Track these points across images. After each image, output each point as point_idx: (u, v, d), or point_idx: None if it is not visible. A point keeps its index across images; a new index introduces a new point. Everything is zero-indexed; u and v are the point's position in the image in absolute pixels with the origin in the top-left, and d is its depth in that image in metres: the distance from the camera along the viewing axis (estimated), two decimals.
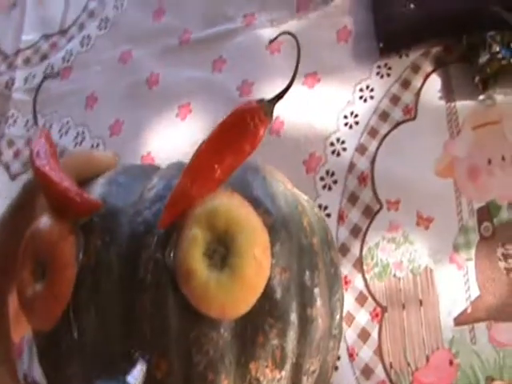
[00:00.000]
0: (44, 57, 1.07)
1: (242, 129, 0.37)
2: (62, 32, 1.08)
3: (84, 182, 0.43)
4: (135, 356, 0.36)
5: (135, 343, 0.36)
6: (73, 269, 0.38)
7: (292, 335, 0.38)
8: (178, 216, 0.37)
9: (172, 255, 0.37)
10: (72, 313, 0.38)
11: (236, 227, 0.36)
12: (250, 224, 0.36)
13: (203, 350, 0.36)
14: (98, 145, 0.92)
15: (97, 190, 0.41)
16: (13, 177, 0.99)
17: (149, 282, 0.37)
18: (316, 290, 0.40)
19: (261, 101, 0.38)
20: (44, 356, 0.41)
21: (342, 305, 0.46)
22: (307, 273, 0.40)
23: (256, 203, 0.39)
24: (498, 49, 0.71)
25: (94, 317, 0.38)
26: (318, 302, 0.40)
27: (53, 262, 0.38)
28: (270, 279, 0.37)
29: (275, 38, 0.42)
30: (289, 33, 0.41)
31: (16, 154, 1.00)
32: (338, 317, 0.45)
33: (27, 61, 1.08)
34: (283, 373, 0.38)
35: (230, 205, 0.37)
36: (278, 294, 0.38)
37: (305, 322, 0.39)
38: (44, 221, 0.40)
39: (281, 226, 0.39)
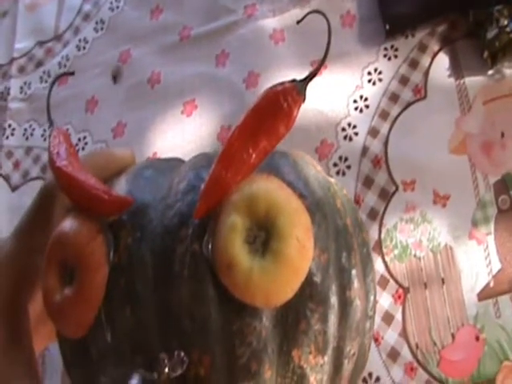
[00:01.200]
0: (39, 64, 1.12)
1: (275, 110, 0.38)
2: (57, 37, 1.13)
3: (106, 180, 0.44)
4: (176, 354, 0.36)
5: (175, 341, 0.37)
6: (104, 270, 0.38)
7: (333, 319, 0.39)
8: (215, 205, 0.38)
9: (210, 246, 0.37)
10: (104, 317, 0.38)
11: (276, 210, 0.36)
12: (291, 206, 0.37)
13: (246, 342, 0.37)
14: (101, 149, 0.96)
15: (123, 187, 0.42)
16: (13, 188, 1.02)
17: (186, 276, 0.37)
18: (353, 272, 0.41)
19: (293, 80, 0.39)
20: (74, 365, 0.42)
21: (375, 285, 0.48)
22: (344, 254, 0.41)
23: (290, 188, 0.39)
24: (505, 22, 0.76)
25: (129, 318, 0.38)
26: (356, 284, 0.41)
27: (82, 264, 0.38)
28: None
29: (303, 18, 0.42)
30: (317, 11, 0.42)
31: (15, 165, 1.04)
32: (372, 298, 0.46)
33: (22, 69, 1.13)
34: (326, 358, 0.40)
35: (268, 188, 0.37)
36: (318, 278, 0.39)
37: (344, 305, 0.40)
38: (69, 223, 0.40)
39: (316, 209, 0.40)
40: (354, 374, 0.45)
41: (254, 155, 0.38)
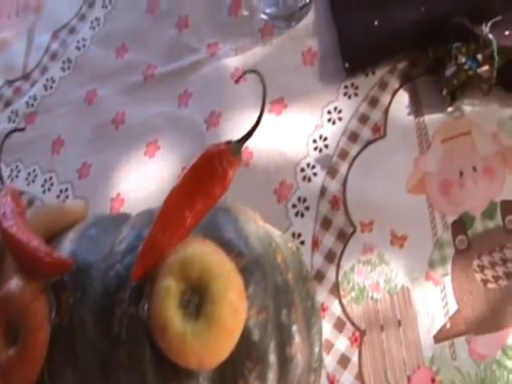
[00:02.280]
0: (8, 103, 1.15)
1: (211, 173, 0.40)
2: (25, 76, 1.16)
3: (55, 235, 0.46)
4: None
5: None
6: (46, 330, 0.40)
7: (272, 377, 0.41)
8: (151, 267, 0.39)
9: (146, 308, 0.39)
10: (47, 376, 0.40)
11: (210, 274, 0.38)
12: (224, 269, 0.39)
13: None
14: (66, 189, 0.99)
15: (67, 247, 0.44)
16: None
17: (124, 338, 0.39)
18: (294, 327, 0.43)
19: (228, 142, 0.41)
20: None
21: (321, 336, 0.50)
22: (284, 311, 0.43)
23: (229, 246, 0.41)
24: (463, 60, 0.78)
25: (70, 378, 0.40)
26: (297, 339, 0.43)
27: (25, 324, 0.40)
28: (246, 321, 0.39)
29: (240, 77, 0.44)
30: (254, 71, 0.45)
31: None
32: (317, 349, 0.48)
33: None
34: None
35: (202, 252, 0.39)
36: (256, 336, 0.40)
37: (284, 362, 0.42)
38: (14, 282, 0.41)
39: (255, 267, 0.42)
40: None
41: (189, 217, 0.40)
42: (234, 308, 0.38)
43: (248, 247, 0.43)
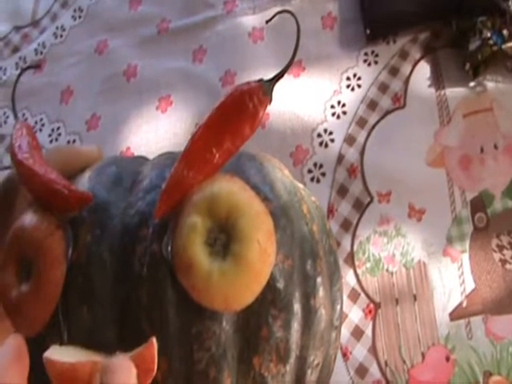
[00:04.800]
0: (15, 49, 1.05)
1: (240, 110, 0.36)
2: (34, 23, 1.06)
3: (69, 177, 0.41)
4: None
5: (132, 343, 0.34)
6: (62, 267, 0.36)
7: (296, 326, 0.37)
8: (175, 204, 0.36)
9: (170, 246, 0.35)
10: (61, 315, 0.36)
11: (238, 212, 0.35)
12: (253, 208, 0.35)
13: (205, 346, 0.35)
14: (74, 141, 0.91)
15: (85, 183, 0.40)
16: None
17: (145, 277, 0.35)
18: (319, 279, 0.39)
19: (260, 80, 0.37)
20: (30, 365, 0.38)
21: (342, 294, 0.45)
22: (309, 261, 0.39)
23: (255, 190, 0.37)
24: (488, 35, 0.71)
25: (86, 318, 0.36)
26: (321, 292, 0.39)
27: (39, 260, 0.36)
28: (272, 267, 0.36)
29: (272, 18, 0.40)
30: (287, 11, 0.40)
31: None
32: (338, 307, 0.43)
33: None
34: (287, 367, 0.37)
35: (230, 189, 0.36)
36: (281, 284, 0.36)
37: (308, 313, 0.38)
38: (29, 217, 0.38)
39: (281, 213, 0.38)
40: None
41: (217, 155, 0.36)
42: (263, 249, 0.34)
43: (274, 193, 0.39)
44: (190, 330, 0.35)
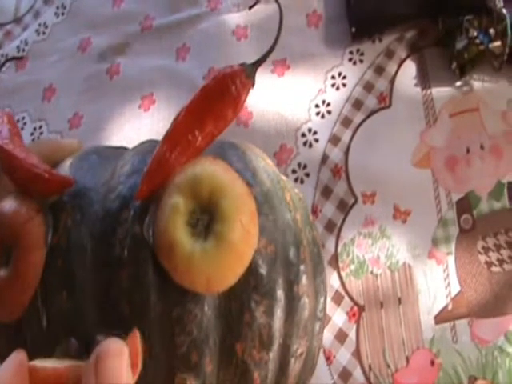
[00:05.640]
0: None
1: (223, 93, 0.36)
2: (17, 20, 1.02)
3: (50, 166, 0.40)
4: (113, 336, 0.33)
5: (113, 326, 0.34)
6: (41, 251, 0.36)
7: (279, 313, 0.37)
8: (157, 186, 0.35)
9: (151, 228, 0.35)
10: (40, 300, 0.35)
11: (221, 193, 0.34)
12: (236, 189, 0.35)
13: (186, 330, 0.34)
14: None
15: (66, 169, 0.40)
16: None
17: (126, 259, 0.34)
18: (302, 267, 0.39)
19: (242, 64, 0.37)
20: (8, 350, 0.37)
21: (326, 288, 0.44)
22: (292, 248, 0.39)
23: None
24: (475, 34, 0.69)
25: (65, 303, 0.35)
26: (304, 280, 0.39)
27: (19, 244, 0.36)
28: (254, 253, 0.35)
29: (255, 4, 0.42)
30: None
31: None
32: (322, 300, 0.43)
33: None
34: (271, 354, 0.37)
35: (213, 170, 0.35)
36: (264, 269, 0.36)
37: (292, 300, 0.38)
38: (8, 202, 0.37)
39: (264, 199, 0.38)
40: (302, 377, 0.42)
41: (199, 138, 0.36)
42: (246, 230, 0.34)
43: (256, 179, 0.39)
44: (172, 314, 0.34)
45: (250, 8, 0.43)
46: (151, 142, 0.42)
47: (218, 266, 0.33)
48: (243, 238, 0.34)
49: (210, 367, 0.35)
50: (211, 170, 0.35)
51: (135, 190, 0.35)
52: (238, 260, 0.34)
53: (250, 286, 0.35)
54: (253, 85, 0.37)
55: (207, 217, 0.34)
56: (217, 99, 0.36)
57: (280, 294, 0.37)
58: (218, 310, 0.35)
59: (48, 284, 0.35)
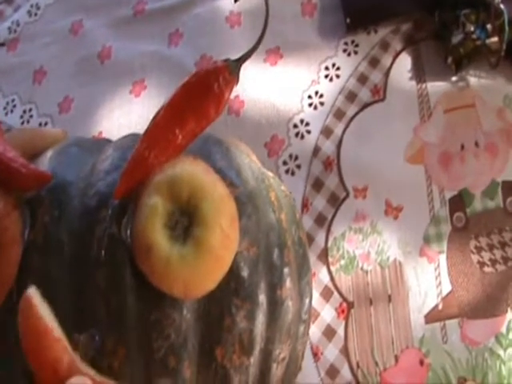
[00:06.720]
0: None
1: (205, 90, 0.34)
2: (9, 0, 0.98)
3: (32, 158, 0.39)
4: (90, 335, 0.32)
5: (89, 326, 0.33)
6: (17, 247, 0.34)
7: (261, 318, 0.35)
8: (136, 185, 0.34)
9: (129, 228, 0.33)
10: (16, 297, 0.33)
11: (200, 195, 0.32)
12: (216, 192, 0.33)
13: (164, 334, 0.33)
14: (46, 123, 0.84)
15: (45, 163, 0.37)
16: None
17: (103, 260, 0.33)
18: (286, 270, 0.37)
19: (226, 60, 0.35)
20: None
21: (311, 289, 0.43)
22: (276, 251, 0.37)
23: (220, 175, 0.35)
24: (472, 28, 0.65)
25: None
26: (288, 283, 0.37)
27: None
28: (236, 255, 0.34)
29: None
30: None
31: None
32: (307, 301, 0.41)
33: None
34: (251, 359, 0.35)
35: (193, 171, 0.33)
36: (245, 272, 0.35)
37: (274, 304, 0.36)
38: None
39: (247, 199, 0.36)
40: (285, 381, 0.40)
41: (180, 136, 0.34)
42: (225, 234, 0.32)
43: (240, 178, 0.37)
44: (149, 317, 0.33)
45: (236, 1, 0.40)
46: (133, 136, 0.40)
47: (196, 271, 0.32)
48: (223, 243, 0.32)
49: (189, 372, 0.34)
50: (191, 170, 0.34)
51: (114, 188, 0.34)
52: (217, 265, 0.33)
53: (231, 289, 0.34)
54: (237, 82, 0.35)
55: (186, 219, 0.32)
56: (199, 96, 0.35)
57: (262, 298, 0.35)
58: (198, 314, 0.34)
59: (24, 281, 0.33)
